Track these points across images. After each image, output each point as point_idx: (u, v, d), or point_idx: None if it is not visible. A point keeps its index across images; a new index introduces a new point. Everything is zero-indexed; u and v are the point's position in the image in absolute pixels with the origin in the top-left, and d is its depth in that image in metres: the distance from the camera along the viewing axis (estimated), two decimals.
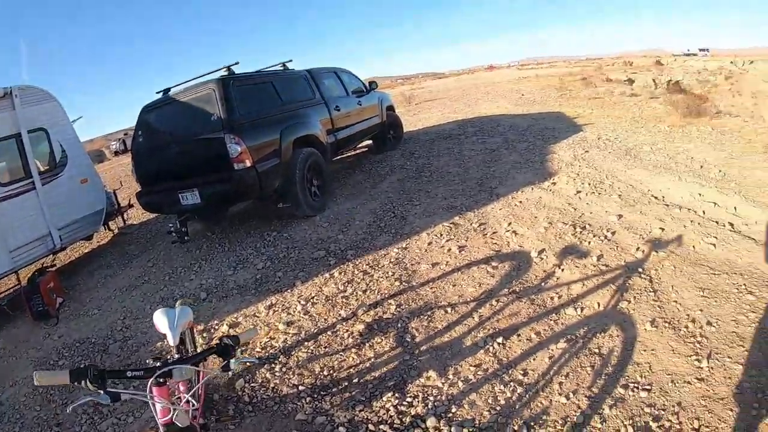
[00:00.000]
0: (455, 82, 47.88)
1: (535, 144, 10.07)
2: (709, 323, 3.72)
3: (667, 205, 6.00)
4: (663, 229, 5.35)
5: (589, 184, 6.96)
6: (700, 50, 64.30)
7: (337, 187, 8.82)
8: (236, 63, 7.15)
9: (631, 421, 2.90)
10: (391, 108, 11.68)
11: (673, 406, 2.96)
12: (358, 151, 11.82)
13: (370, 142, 11.32)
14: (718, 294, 4.10)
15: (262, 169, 6.42)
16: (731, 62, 40.24)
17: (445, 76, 61.69)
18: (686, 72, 36.03)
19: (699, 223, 5.44)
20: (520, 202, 6.70)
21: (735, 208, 5.82)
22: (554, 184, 7.25)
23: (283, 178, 6.84)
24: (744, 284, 4.21)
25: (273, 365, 4.06)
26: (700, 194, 6.24)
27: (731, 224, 5.39)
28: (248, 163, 6.24)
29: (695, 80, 33.34)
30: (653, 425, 2.85)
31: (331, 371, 3.85)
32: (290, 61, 8.65)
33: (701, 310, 3.89)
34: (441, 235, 6.01)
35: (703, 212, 5.73)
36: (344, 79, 9.77)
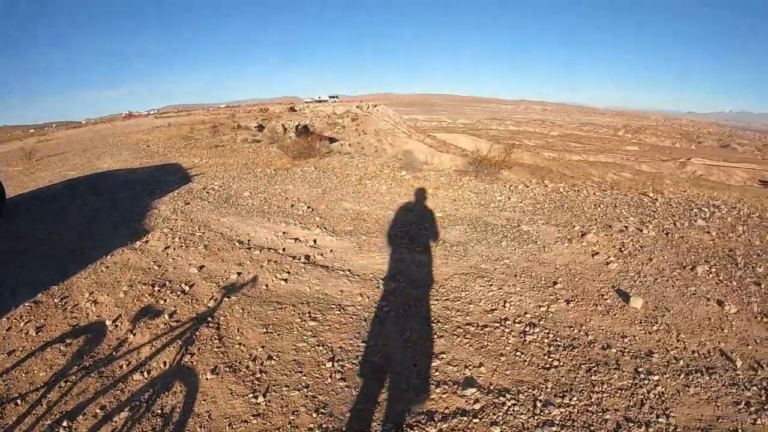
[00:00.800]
0: (89, 132, 44.77)
1: (140, 200, 9.88)
2: (270, 357, 4.13)
3: (250, 249, 6.52)
4: (240, 274, 5.78)
5: (180, 238, 7.10)
6: (330, 97, 74.03)
7: None
8: None
9: None
10: None
11: None
12: None
13: None
14: (282, 327, 4.59)
15: None
16: (357, 106, 47.47)
17: (82, 125, 56.89)
18: (316, 116, 41.15)
19: (276, 261, 6.06)
20: (107, 267, 6.43)
21: (315, 240, 6.71)
22: (146, 242, 7.15)
23: None
24: (309, 312, 4.83)
25: None
26: (284, 233, 6.99)
27: (307, 257, 6.17)
28: None
29: (325, 123, 38.28)
30: None
31: None
32: None
33: (263, 347, 4.29)
34: (21, 317, 5.35)
35: (283, 249, 6.42)
36: None
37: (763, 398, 3.57)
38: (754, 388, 3.68)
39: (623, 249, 6.37)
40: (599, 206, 8.48)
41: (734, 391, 3.65)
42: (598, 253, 6.22)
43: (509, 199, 9.10)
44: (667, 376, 3.82)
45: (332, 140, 25.19)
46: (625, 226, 7.24)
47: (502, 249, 6.47)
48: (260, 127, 27.91)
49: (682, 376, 3.82)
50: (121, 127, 44.02)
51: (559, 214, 7.99)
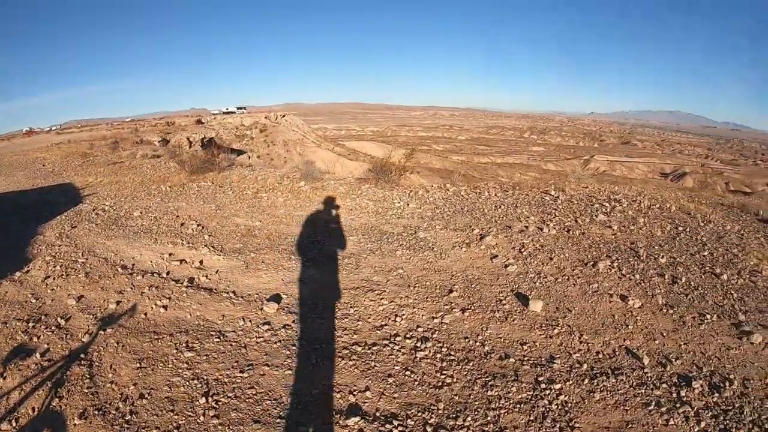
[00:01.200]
0: None
1: (27, 225, 9.03)
2: (141, 396, 3.82)
3: (132, 274, 6.14)
4: (120, 302, 5.39)
5: (61, 266, 6.56)
6: (238, 108, 71.72)
7: None
8: None
9: None
10: None
11: None
12: None
13: None
14: (157, 360, 4.29)
15: None
16: (266, 117, 46.44)
17: None
18: (224, 128, 39.94)
19: (158, 287, 5.71)
20: None
21: (201, 261, 6.41)
22: (27, 272, 6.51)
23: None
24: (186, 341, 4.55)
25: None
26: (170, 254, 6.66)
27: (191, 280, 5.90)
28: None
29: (233, 135, 37.18)
30: None
31: None
32: None
33: (135, 384, 3.97)
34: None
35: (168, 273, 6.10)
36: None
37: (674, 396, 3.58)
38: (664, 385, 3.70)
39: (523, 250, 6.43)
40: (500, 207, 8.60)
41: (643, 391, 3.64)
42: (497, 255, 6.25)
43: (408, 205, 9.09)
44: (571, 383, 3.77)
45: (240, 152, 24.49)
46: (526, 226, 7.36)
47: (396, 258, 6.40)
48: (165, 141, 26.75)
49: (587, 381, 3.78)
50: (20, 145, 41.06)
51: (458, 218, 8.04)
